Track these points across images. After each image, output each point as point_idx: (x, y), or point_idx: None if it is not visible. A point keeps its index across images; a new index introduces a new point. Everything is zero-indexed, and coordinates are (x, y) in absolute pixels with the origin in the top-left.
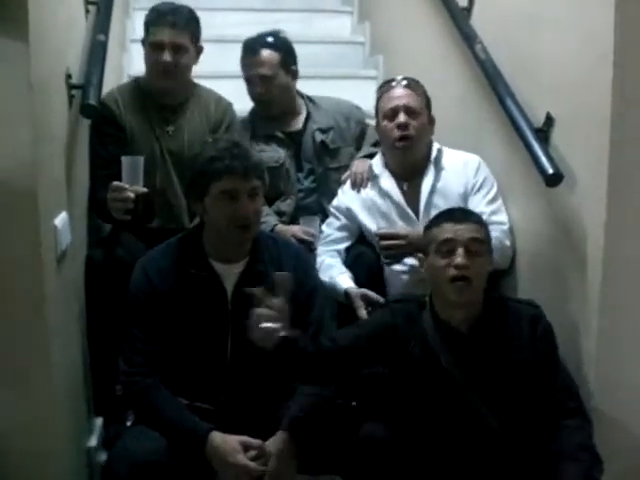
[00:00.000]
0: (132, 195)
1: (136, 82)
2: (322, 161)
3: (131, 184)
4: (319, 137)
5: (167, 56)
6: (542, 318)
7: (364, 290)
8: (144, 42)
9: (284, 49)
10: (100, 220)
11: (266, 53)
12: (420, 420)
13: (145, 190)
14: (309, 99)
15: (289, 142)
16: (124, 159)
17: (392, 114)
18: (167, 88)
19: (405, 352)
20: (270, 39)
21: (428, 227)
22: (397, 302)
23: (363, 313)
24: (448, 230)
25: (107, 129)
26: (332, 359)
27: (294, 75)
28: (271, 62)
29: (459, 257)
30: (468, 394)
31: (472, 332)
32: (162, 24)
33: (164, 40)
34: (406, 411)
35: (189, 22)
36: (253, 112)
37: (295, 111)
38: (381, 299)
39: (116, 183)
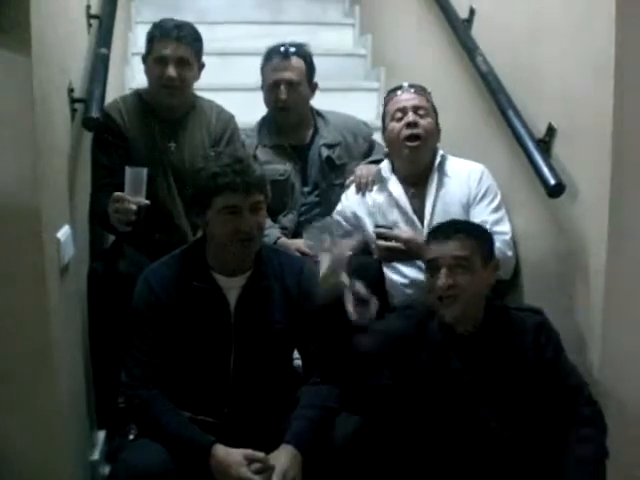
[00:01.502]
0: (134, 207)
1: (138, 94)
2: (327, 177)
3: (133, 195)
4: (325, 153)
5: (172, 71)
6: (545, 324)
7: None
8: (145, 58)
9: (309, 60)
10: (100, 229)
11: (296, 60)
12: (427, 427)
13: (147, 202)
14: (318, 113)
15: (295, 155)
16: (127, 170)
17: (401, 115)
18: (170, 104)
19: (415, 359)
20: (298, 48)
21: (424, 245)
22: (408, 308)
23: (349, 307)
24: (432, 251)
25: (110, 138)
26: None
27: (313, 88)
28: (299, 69)
29: (441, 278)
30: (476, 401)
31: (476, 338)
32: (167, 39)
33: (169, 54)
34: (413, 419)
35: (193, 37)
36: (262, 122)
37: (306, 124)
38: (369, 295)
39: (118, 194)
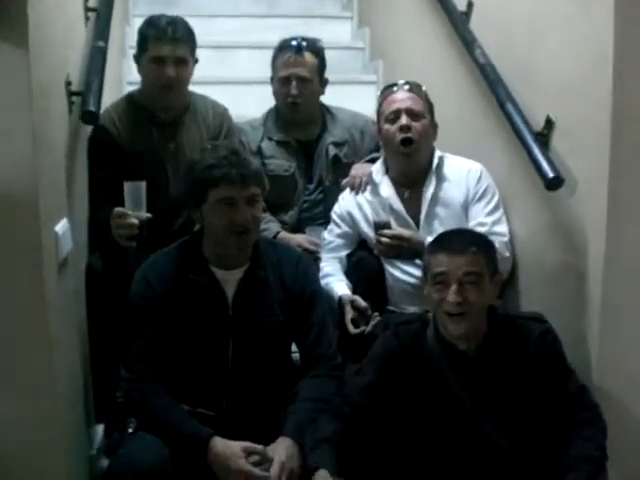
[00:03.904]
0: (136, 221)
1: (130, 98)
2: (332, 175)
3: (134, 210)
4: (332, 151)
5: (171, 71)
6: (549, 333)
7: (354, 296)
8: (138, 57)
9: (321, 56)
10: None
11: (308, 55)
12: (427, 440)
13: (149, 215)
14: (326, 109)
15: (301, 151)
16: (126, 185)
17: (394, 117)
18: (168, 104)
19: (411, 375)
20: (311, 43)
21: (428, 251)
22: (401, 324)
23: (348, 319)
24: (442, 262)
25: (105, 152)
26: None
27: (324, 84)
28: (312, 65)
29: (452, 294)
30: (475, 415)
31: (478, 354)
32: (163, 38)
33: (167, 55)
34: (413, 432)
35: (188, 34)
36: (269, 114)
37: (315, 121)
38: (366, 306)
39: (119, 209)
